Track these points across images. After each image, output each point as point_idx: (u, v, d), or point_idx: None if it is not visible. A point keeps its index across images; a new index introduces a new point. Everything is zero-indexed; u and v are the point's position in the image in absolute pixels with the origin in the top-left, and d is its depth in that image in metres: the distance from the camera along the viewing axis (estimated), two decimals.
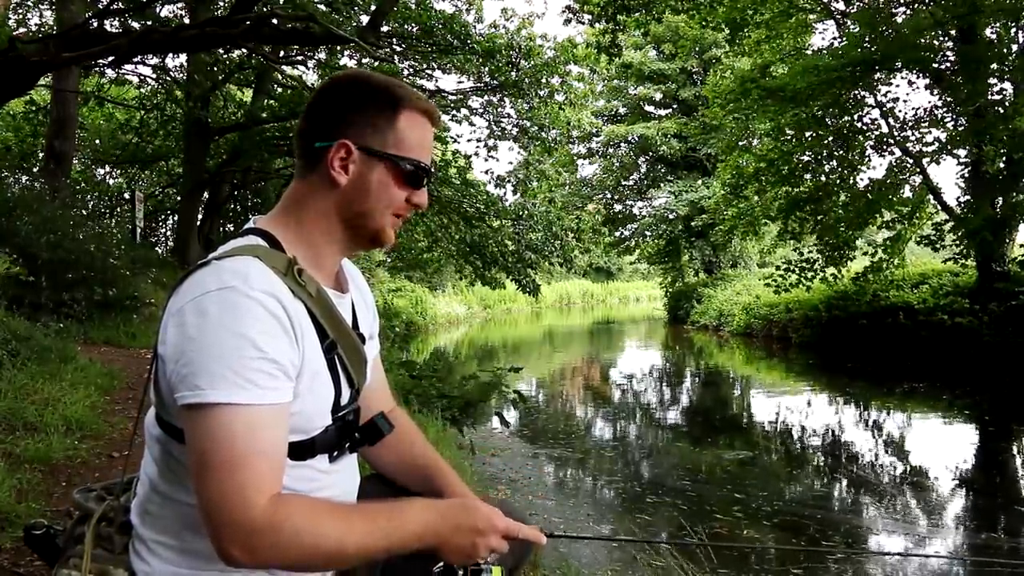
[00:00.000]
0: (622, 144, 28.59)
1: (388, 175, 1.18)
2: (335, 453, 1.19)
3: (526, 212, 15.68)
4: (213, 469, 0.98)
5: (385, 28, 11.54)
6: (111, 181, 17.47)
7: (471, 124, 14.64)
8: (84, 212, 10.18)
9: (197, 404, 0.99)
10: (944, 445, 8.21)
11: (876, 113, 14.31)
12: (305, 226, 1.19)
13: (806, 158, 15.10)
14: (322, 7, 10.01)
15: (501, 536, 1.15)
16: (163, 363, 1.05)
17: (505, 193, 15.98)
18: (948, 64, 13.04)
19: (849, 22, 14.19)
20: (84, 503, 1.23)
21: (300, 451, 1.13)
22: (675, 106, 27.76)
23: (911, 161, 13.93)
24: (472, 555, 1.12)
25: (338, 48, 12.56)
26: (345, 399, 1.19)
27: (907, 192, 14.59)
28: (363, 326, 1.31)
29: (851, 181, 15.03)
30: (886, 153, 14.48)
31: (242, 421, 0.99)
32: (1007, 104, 11.89)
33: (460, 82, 14.43)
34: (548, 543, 1.29)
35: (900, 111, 14.26)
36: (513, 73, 13.19)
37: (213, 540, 0.99)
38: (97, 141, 16.94)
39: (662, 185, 27.89)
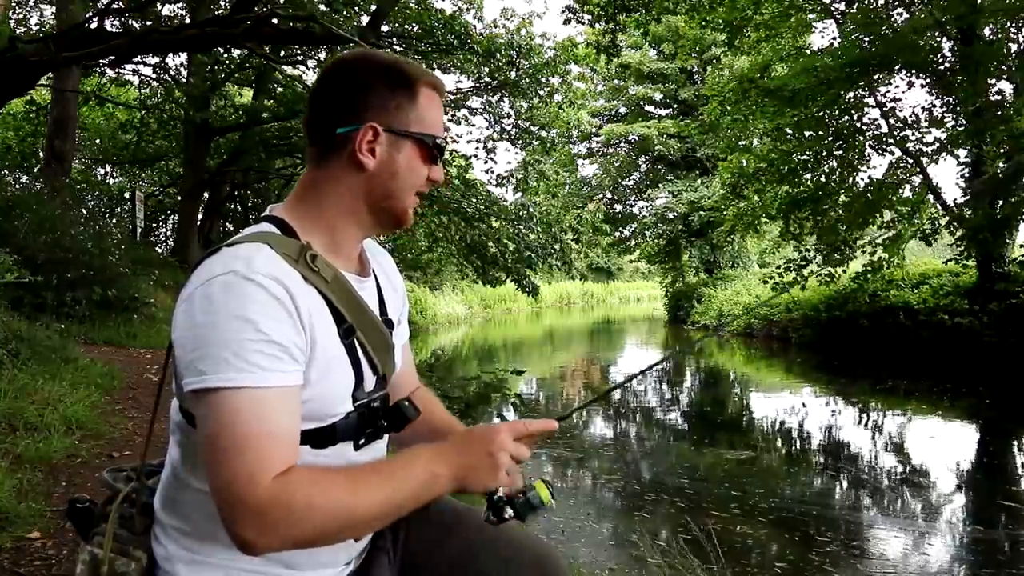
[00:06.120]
0: (622, 144, 28.60)
1: (415, 154, 1.17)
2: (360, 441, 1.17)
3: (526, 212, 15.67)
4: (220, 453, 0.98)
5: (385, 28, 11.55)
6: (111, 181, 17.49)
7: (471, 124, 14.66)
8: (84, 212, 10.15)
9: (203, 389, 0.99)
10: (944, 445, 8.21)
11: (876, 113, 14.33)
12: (325, 212, 1.17)
13: (805, 158, 15.10)
14: (322, 7, 10.02)
15: (514, 439, 1.13)
16: (175, 350, 1.06)
17: (505, 192, 15.99)
18: (948, 64, 13.04)
19: (848, 22, 14.18)
20: (112, 483, 1.23)
21: (320, 439, 1.11)
22: (675, 106, 27.77)
23: (911, 161, 13.93)
24: (498, 470, 1.10)
25: (338, 48, 12.56)
26: (369, 386, 1.18)
27: (907, 192, 14.59)
28: (391, 311, 1.29)
29: (851, 181, 15.03)
30: (886, 153, 14.48)
31: (246, 404, 0.99)
32: (1007, 104, 11.89)
33: (459, 82, 14.43)
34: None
35: (900, 111, 14.29)
36: (513, 73, 13.19)
37: (226, 526, 0.98)
38: (97, 141, 16.97)
39: (662, 185, 27.89)
